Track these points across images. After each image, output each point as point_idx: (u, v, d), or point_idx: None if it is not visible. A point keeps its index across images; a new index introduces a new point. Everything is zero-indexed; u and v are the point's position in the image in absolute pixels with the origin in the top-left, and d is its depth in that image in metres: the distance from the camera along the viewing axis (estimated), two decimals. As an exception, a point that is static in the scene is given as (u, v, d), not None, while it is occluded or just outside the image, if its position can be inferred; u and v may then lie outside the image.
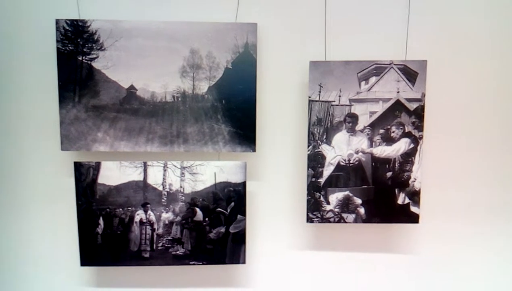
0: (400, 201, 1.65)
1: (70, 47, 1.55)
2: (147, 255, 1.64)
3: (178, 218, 1.64)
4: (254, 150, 1.63)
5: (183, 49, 1.58)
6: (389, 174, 1.64)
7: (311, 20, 1.64)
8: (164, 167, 1.61)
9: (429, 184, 1.71)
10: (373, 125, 1.62)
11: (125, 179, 1.61)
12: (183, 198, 1.63)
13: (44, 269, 1.74)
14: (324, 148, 1.64)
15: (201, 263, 1.66)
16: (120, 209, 1.62)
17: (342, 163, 1.64)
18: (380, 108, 1.61)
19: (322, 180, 1.65)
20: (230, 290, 1.78)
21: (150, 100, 1.59)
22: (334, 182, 1.65)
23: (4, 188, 1.69)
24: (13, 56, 1.62)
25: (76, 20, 1.55)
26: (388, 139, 1.63)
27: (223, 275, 1.77)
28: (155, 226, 1.63)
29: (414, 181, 1.64)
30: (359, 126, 1.63)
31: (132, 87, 1.58)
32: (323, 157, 1.64)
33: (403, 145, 1.63)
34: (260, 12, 1.63)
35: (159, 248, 1.64)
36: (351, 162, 1.64)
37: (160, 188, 1.62)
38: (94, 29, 1.55)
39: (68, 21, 1.54)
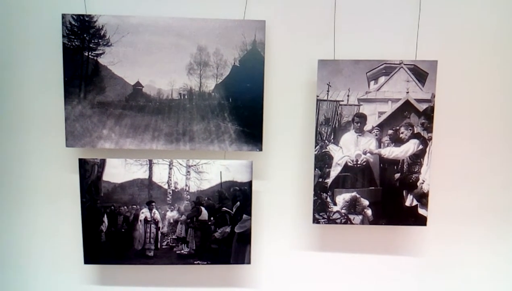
0: (408, 203, 1.63)
1: (76, 43, 1.53)
2: (151, 253, 1.63)
3: (183, 217, 1.62)
4: (260, 149, 1.61)
5: (190, 46, 1.56)
6: (397, 175, 1.62)
7: (320, 18, 1.62)
8: (169, 165, 1.60)
9: (438, 186, 1.69)
10: (381, 126, 1.60)
11: (130, 177, 1.59)
12: (189, 196, 1.61)
13: (47, 267, 1.73)
14: (332, 148, 1.62)
15: (205, 262, 1.64)
16: (125, 207, 1.60)
17: (349, 164, 1.62)
18: (389, 108, 1.59)
19: (329, 181, 1.63)
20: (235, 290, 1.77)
21: (156, 97, 1.57)
22: (341, 182, 1.63)
23: (8, 184, 1.67)
24: (18, 51, 1.61)
25: (83, 15, 1.53)
26: (397, 140, 1.61)
27: (228, 275, 1.75)
28: (160, 225, 1.62)
29: (423, 183, 1.61)
30: (367, 127, 1.60)
31: (138, 84, 1.56)
32: (330, 157, 1.62)
33: (411, 146, 1.61)
34: (268, 9, 1.61)
35: (163, 247, 1.63)
36: (358, 162, 1.62)
37: (165, 186, 1.60)
38: (101, 25, 1.53)
39: (74, 16, 1.53)
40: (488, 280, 1.78)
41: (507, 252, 1.76)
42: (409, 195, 1.63)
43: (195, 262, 1.64)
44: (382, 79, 1.58)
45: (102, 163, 1.58)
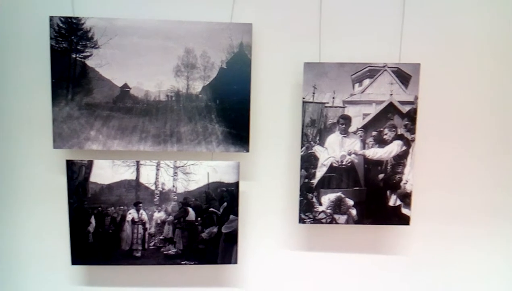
0: (391, 203, 1.66)
1: (63, 45, 1.54)
2: (138, 254, 1.64)
3: (170, 218, 1.63)
4: (247, 150, 1.63)
5: (177, 49, 1.57)
6: (381, 175, 1.65)
7: (306, 22, 1.65)
8: (157, 166, 1.61)
9: (421, 186, 1.72)
10: (366, 127, 1.63)
11: (117, 178, 1.60)
12: (176, 197, 1.63)
13: (35, 267, 1.73)
14: (317, 149, 1.64)
15: (192, 263, 1.66)
16: (112, 208, 1.61)
17: (334, 164, 1.65)
18: (373, 110, 1.62)
19: (314, 181, 1.65)
20: (222, 290, 1.78)
21: (144, 99, 1.58)
22: (326, 183, 1.66)
23: (-5, 185, 1.68)
24: (5, 53, 1.61)
25: (70, 18, 1.54)
26: (381, 142, 1.64)
27: (215, 275, 1.77)
28: (147, 225, 1.63)
29: (406, 183, 1.65)
30: (352, 128, 1.63)
31: (125, 85, 1.58)
32: (316, 158, 1.64)
33: (395, 147, 1.64)
34: (255, 12, 1.63)
35: (150, 247, 1.64)
36: (343, 163, 1.65)
37: (153, 187, 1.62)
38: (88, 27, 1.54)
39: (62, 18, 1.53)
40: (471, 278, 1.82)
41: (490, 250, 1.80)
42: (392, 195, 1.66)
43: (182, 262, 1.65)
44: (366, 81, 1.62)
45: (90, 164, 1.59)
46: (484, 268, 1.81)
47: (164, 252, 1.65)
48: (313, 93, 1.62)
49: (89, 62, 1.56)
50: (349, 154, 1.64)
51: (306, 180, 1.65)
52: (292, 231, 1.76)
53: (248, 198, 1.73)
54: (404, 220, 1.67)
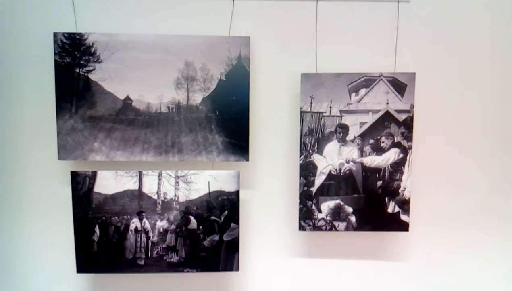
0: (390, 210, 1.68)
1: (67, 60, 1.59)
2: (142, 262, 1.67)
3: (173, 226, 1.67)
4: (247, 159, 1.66)
5: (177, 62, 1.61)
6: (379, 183, 1.68)
7: (303, 34, 1.69)
8: (159, 176, 1.65)
9: (419, 193, 1.74)
10: (363, 136, 1.66)
11: (120, 188, 1.64)
12: (178, 206, 1.66)
13: (40, 276, 1.77)
14: (316, 158, 1.67)
15: (195, 270, 1.69)
16: (116, 217, 1.65)
17: (333, 172, 1.68)
18: (370, 119, 1.65)
19: (313, 189, 1.68)
20: (224, 297, 1.82)
21: (146, 111, 1.63)
22: (325, 190, 1.68)
23: (2, 197, 1.72)
24: (11, 68, 1.66)
25: (74, 33, 1.59)
26: (378, 149, 1.66)
27: (217, 283, 1.80)
28: (150, 234, 1.66)
29: (404, 190, 1.67)
30: (349, 137, 1.66)
31: (127, 98, 1.62)
32: (314, 166, 1.67)
33: (392, 155, 1.66)
34: (253, 25, 1.67)
35: (153, 255, 1.67)
36: (342, 171, 1.68)
37: (155, 197, 1.65)
38: (91, 42, 1.59)
39: (65, 34, 1.58)
40: (471, 282, 1.83)
41: (489, 254, 1.82)
42: (391, 201, 1.68)
43: (185, 270, 1.69)
44: (362, 91, 1.65)
45: (94, 175, 1.63)
46: (484, 272, 1.82)
47: (167, 260, 1.68)
48: (311, 103, 1.65)
49: (92, 76, 1.60)
50: (347, 162, 1.67)
51: (305, 188, 1.68)
52: (293, 238, 1.79)
53: (248, 206, 1.76)
54: (403, 226, 1.69)
